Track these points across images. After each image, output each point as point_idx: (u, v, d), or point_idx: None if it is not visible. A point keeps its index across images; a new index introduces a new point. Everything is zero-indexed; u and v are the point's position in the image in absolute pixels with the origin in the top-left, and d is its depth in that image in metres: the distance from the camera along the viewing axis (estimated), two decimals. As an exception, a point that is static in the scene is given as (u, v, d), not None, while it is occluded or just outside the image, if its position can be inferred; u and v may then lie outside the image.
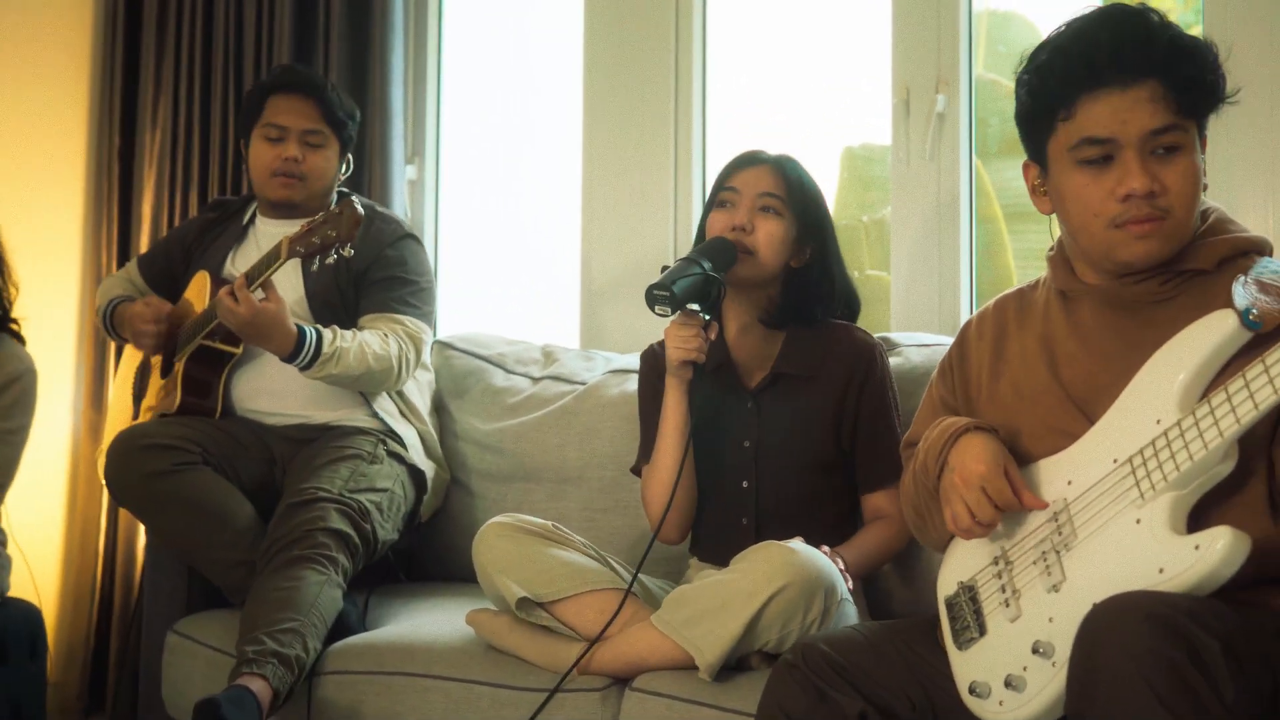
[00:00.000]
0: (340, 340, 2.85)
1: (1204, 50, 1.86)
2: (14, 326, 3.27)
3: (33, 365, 3.22)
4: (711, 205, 2.59)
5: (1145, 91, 1.83)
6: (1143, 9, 1.88)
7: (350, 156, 3.25)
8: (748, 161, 2.59)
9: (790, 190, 2.55)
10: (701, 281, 2.42)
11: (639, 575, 2.49)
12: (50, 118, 4.02)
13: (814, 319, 2.57)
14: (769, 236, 2.52)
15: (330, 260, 2.73)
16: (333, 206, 2.72)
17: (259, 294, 2.76)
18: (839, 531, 2.50)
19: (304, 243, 2.72)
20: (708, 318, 2.46)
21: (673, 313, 2.41)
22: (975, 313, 2.15)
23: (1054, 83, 1.89)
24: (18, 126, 3.95)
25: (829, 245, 2.59)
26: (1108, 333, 1.93)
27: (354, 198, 2.73)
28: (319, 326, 2.86)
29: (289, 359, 2.82)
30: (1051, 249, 2.03)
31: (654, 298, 2.38)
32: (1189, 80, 1.83)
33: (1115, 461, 1.80)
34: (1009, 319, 2.08)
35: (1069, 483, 1.86)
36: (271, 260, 2.78)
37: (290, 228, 3.10)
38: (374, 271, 3.04)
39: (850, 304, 2.65)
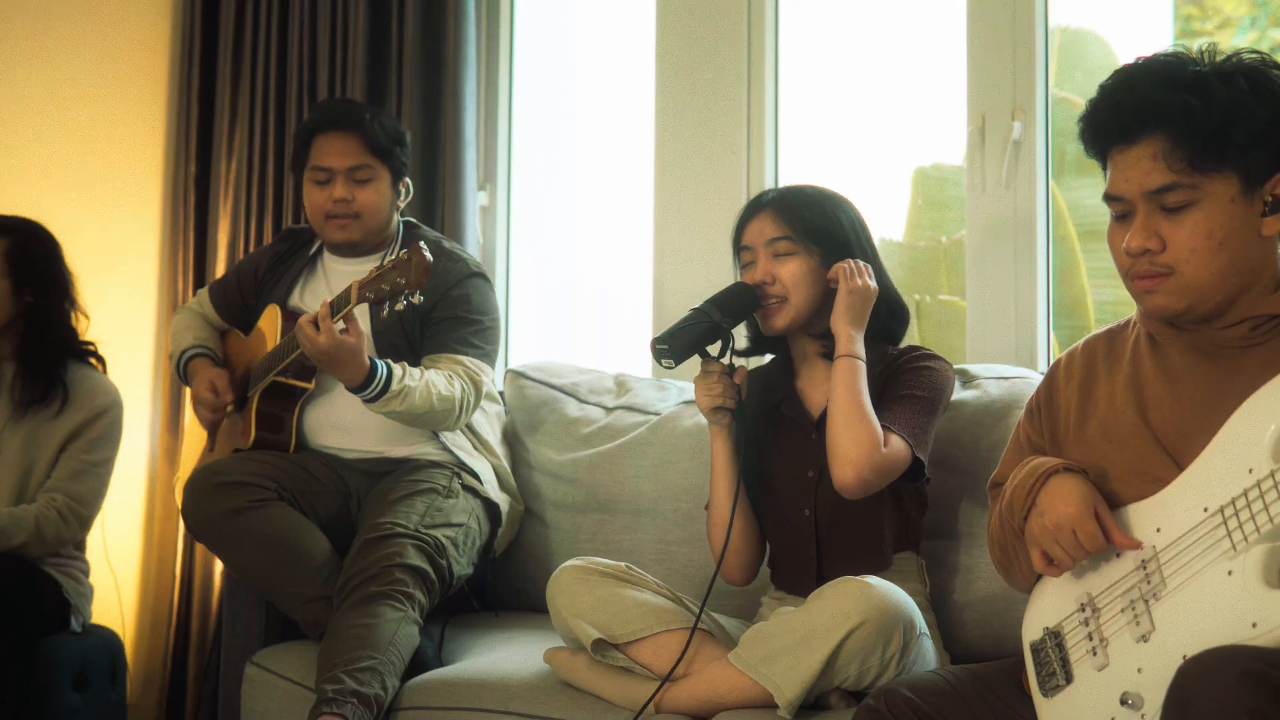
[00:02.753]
0: (409, 379, 2.85)
1: (1225, 99, 1.80)
2: (90, 348, 3.32)
3: (119, 398, 3.28)
4: (737, 264, 2.62)
5: (1148, 149, 1.83)
6: (1176, 58, 1.87)
7: (408, 181, 3.21)
8: (749, 213, 2.60)
9: (795, 226, 2.54)
10: (705, 330, 2.47)
11: (709, 613, 2.49)
12: (127, 146, 4.08)
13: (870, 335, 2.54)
14: (792, 276, 2.52)
15: (399, 307, 2.72)
16: (401, 252, 2.70)
17: (340, 325, 2.77)
18: (898, 552, 2.49)
19: (373, 288, 2.71)
20: (729, 364, 2.51)
21: (677, 364, 2.47)
22: (1064, 352, 2.12)
23: (1089, 138, 1.93)
24: (96, 155, 4.02)
25: (859, 256, 2.54)
26: (1197, 377, 1.90)
27: (422, 244, 2.68)
28: (390, 362, 2.86)
29: (356, 390, 2.83)
30: None
31: (656, 351, 2.45)
32: (1196, 135, 1.80)
33: (1206, 510, 1.76)
34: (1098, 360, 2.05)
35: (1157, 530, 1.83)
36: (343, 304, 2.78)
37: (354, 265, 3.14)
38: (438, 311, 3.02)
39: (893, 313, 2.60)
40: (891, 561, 2.48)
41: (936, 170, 3.98)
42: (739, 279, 2.60)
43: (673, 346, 2.44)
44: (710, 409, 2.52)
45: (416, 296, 2.70)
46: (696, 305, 2.50)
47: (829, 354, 2.52)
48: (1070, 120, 3.62)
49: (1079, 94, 3.77)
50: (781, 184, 3.48)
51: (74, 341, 3.30)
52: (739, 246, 2.60)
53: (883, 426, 2.40)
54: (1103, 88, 1.91)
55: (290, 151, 3.77)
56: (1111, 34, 3.83)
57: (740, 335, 2.61)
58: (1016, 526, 1.97)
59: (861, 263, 2.51)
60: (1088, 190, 3.83)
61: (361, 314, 2.96)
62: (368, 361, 2.81)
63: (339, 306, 2.78)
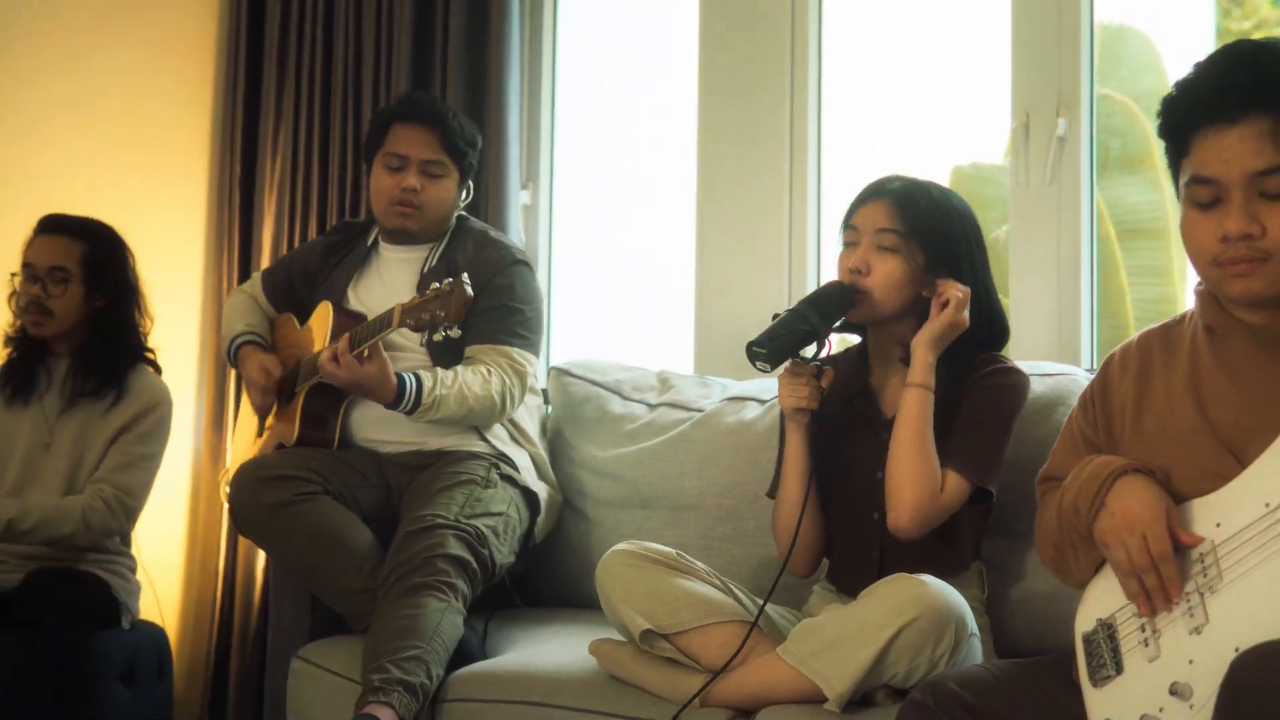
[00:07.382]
0: (440, 389, 2.91)
1: None
2: (150, 355, 3.37)
3: (169, 396, 3.32)
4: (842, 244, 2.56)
5: (1252, 129, 1.80)
6: (1267, 43, 1.84)
7: (470, 184, 3.26)
8: (868, 196, 2.53)
9: (909, 222, 2.47)
10: (802, 336, 2.42)
11: (759, 602, 2.48)
12: (174, 146, 4.12)
13: (953, 350, 2.49)
14: (886, 277, 2.47)
15: (437, 338, 2.78)
16: (446, 282, 2.75)
17: (364, 353, 2.83)
18: (964, 562, 2.47)
19: (414, 316, 2.77)
20: (819, 366, 2.48)
21: (773, 369, 2.43)
22: (1118, 347, 2.10)
23: (1173, 120, 1.88)
24: (142, 154, 4.05)
25: (965, 272, 2.49)
26: (1258, 371, 1.88)
27: (465, 277, 2.73)
28: (420, 374, 2.91)
29: (390, 407, 2.91)
30: (1200, 284, 1.98)
31: (753, 354, 2.40)
32: None
33: (1267, 506, 1.75)
34: (1154, 355, 2.02)
35: (1217, 525, 1.81)
36: (383, 326, 2.83)
37: (407, 253, 3.19)
38: (483, 300, 3.04)
39: (994, 329, 2.56)
40: (969, 565, 2.47)
41: (974, 170, 3.97)
42: (840, 256, 2.54)
43: (771, 351, 2.39)
44: (793, 409, 2.49)
45: (454, 331, 2.76)
46: (797, 304, 2.44)
47: (908, 359, 2.48)
48: (1111, 118, 3.62)
49: (1121, 91, 3.75)
50: (824, 180, 3.49)
51: (138, 345, 3.35)
52: (846, 226, 2.54)
53: (944, 465, 2.39)
54: (1205, 65, 1.86)
55: (337, 149, 3.82)
56: (1154, 31, 3.81)
57: None
58: (1083, 529, 1.93)
59: (963, 293, 2.46)
60: (1128, 189, 3.81)
61: None
62: (394, 380, 2.87)
63: (360, 339, 2.85)
